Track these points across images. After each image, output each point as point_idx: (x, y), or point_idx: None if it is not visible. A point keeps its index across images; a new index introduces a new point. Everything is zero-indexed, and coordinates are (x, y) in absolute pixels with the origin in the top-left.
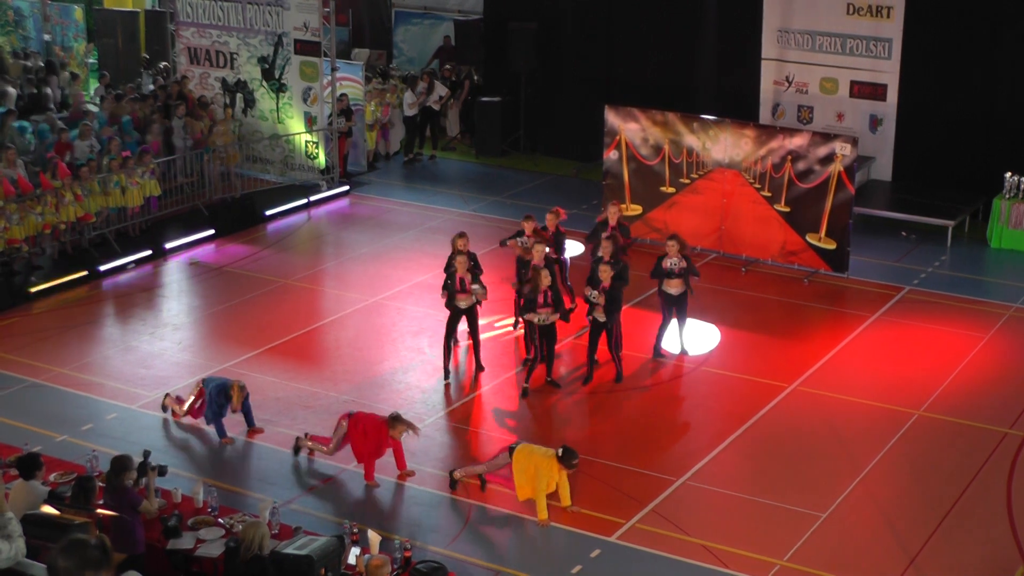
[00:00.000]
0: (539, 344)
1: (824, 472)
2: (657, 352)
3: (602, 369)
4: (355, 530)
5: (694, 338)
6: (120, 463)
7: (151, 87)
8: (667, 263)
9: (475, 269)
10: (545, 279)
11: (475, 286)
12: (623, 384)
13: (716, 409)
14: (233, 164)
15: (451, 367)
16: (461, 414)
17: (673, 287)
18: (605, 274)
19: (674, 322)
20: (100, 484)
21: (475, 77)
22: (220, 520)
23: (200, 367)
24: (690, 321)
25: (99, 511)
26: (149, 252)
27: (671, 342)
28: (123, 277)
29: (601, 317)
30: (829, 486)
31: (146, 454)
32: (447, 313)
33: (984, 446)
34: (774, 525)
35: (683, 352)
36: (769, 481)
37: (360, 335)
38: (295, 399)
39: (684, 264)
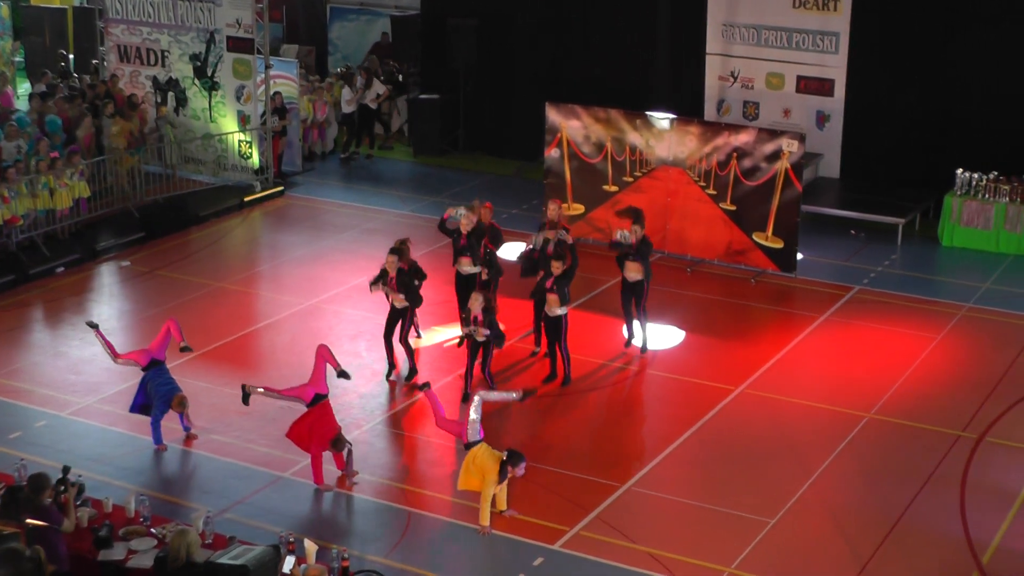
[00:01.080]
0: (472, 352)
1: (773, 477)
2: (628, 342)
3: (546, 371)
4: (291, 539)
5: (649, 338)
6: (37, 482)
7: (60, 84)
8: (617, 234)
9: (411, 275)
10: (476, 303)
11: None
12: (568, 388)
13: (662, 413)
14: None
15: (393, 363)
16: (400, 419)
17: (631, 271)
18: (556, 267)
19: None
20: None
21: (399, 76)
22: (152, 530)
23: (132, 373)
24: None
25: (28, 521)
26: (79, 255)
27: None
28: (52, 281)
29: (553, 312)
30: (778, 491)
31: (65, 470)
32: (385, 315)
33: (937, 449)
34: (722, 531)
35: (643, 349)
36: (716, 486)
37: (296, 339)
38: (230, 406)
39: (633, 240)
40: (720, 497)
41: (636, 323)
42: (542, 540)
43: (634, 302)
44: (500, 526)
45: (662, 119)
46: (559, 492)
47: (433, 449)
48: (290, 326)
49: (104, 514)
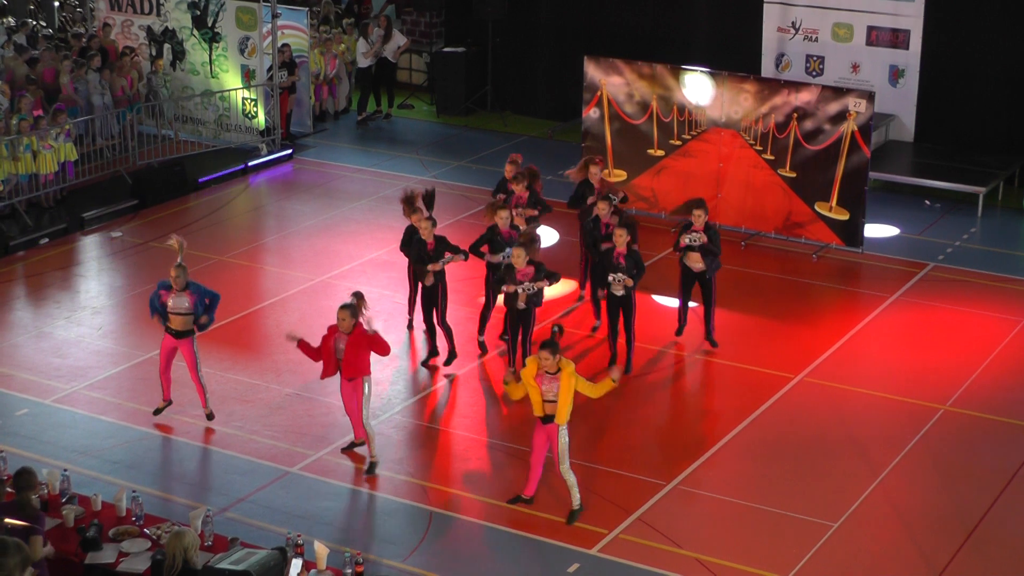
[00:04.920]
0: (514, 330)
1: (836, 476)
2: (679, 331)
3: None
4: (299, 541)
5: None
6: (27, 479)
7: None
8: (686, 239)
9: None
10: (519, 258)
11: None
12: (605, 375)
13: (712, 403)
14: None
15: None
16: (422, 409)
17: (694, 261)
18: (621, 238)
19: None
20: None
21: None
22: (146, 531)
23: (123, 356)
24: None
25: (7, 520)
26: (64, 225)
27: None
28: (35, 254)
29: (620, 291)
30: (841, 492)
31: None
32: (405, 293)
33: (1020, 445)
34: (778, 536)
35: (710, 343)
36: (772, 486)
37: (305, 319)
38: (232, 393)
39: (704, 239)
40: (776, 498)
41: (690, 313)
42: (578, 544)
43: (700, 293)
44: (532, 528)
45: (713, 73)
46: (597, 491)
47: (458, 443)
48: (298, 304)
49: (92, 512)
